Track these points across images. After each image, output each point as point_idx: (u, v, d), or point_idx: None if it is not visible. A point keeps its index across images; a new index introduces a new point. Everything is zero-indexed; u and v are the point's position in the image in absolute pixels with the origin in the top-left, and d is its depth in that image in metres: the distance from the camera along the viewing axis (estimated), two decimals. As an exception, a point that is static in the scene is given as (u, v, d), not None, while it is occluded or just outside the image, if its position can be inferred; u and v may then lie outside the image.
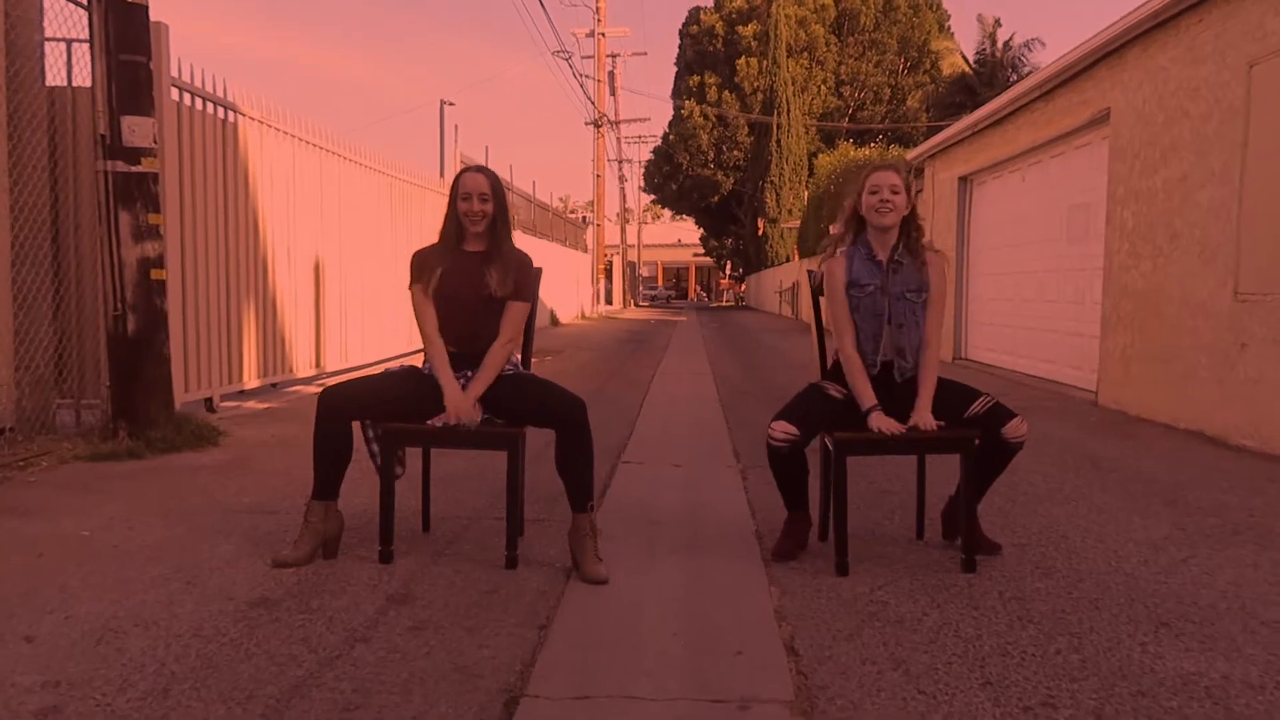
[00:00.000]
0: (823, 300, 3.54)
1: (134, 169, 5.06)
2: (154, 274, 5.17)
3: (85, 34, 5.33)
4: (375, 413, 3.16)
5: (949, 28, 44.05)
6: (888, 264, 3.23)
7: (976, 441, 3.13)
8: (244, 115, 7.08)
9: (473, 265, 3.22)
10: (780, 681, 2.28)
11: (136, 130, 5.05)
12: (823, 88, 41.89)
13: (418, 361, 3.39)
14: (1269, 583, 3.02)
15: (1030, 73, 33.64)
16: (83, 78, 5.54)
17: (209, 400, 6.63)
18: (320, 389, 3.28)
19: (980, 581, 3.01)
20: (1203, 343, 5.93)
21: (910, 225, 3.27)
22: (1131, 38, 6.85)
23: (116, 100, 4.99)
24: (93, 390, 5.70)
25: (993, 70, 34.67)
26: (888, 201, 3.19)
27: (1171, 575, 3.09)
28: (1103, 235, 7.48)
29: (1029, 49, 38.48)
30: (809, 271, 3.63)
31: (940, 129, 24.24)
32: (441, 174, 13.51)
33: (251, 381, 7.26)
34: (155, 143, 5.17)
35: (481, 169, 3.29)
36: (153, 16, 5.25)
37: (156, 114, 5.35)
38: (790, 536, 3.33)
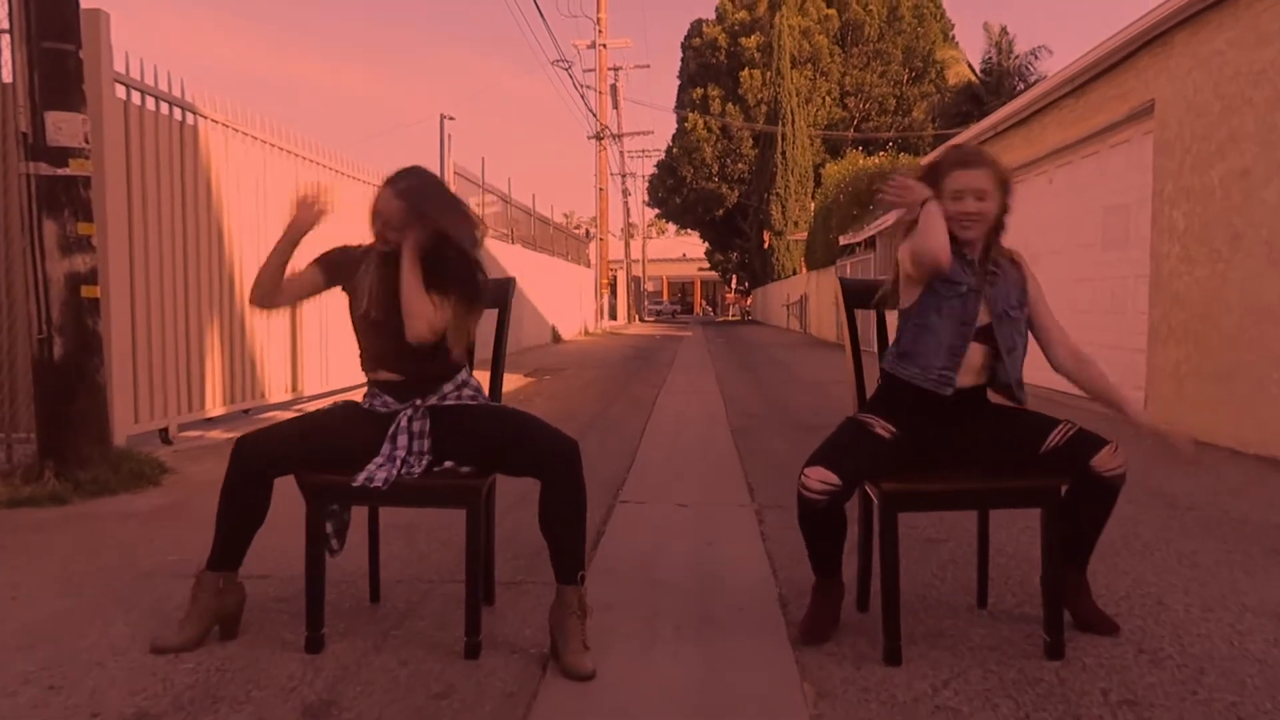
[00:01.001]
0: (859, 314, 2.89)
1: (60, 172, 4.43)
2: (85, 291, 4.54)
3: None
4: (306, 466, 2.49)
5: (954, 37, 43.55)
6: (982, 267, 2.58)
7: (1062, 490, 2.47)
8: (205, 118, 6.47)
9: (389, 278, 2.59)
10: None
11: (63, 128, 4.43)
12: (827, 99, 41.39)
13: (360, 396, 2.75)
14: None
15: (1037, 80, 33.14)
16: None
17: (164, 431, 5.99)
18: (238, 437, 2.63)
19: (1073, 674, 2.34)
20: (1274, 356, 5.26)
21: (997, 230, 2.63)
22: (1179, 21, 6.21)
23: (39, 94, 4.37)
24: (26, 423, 5.06)
25: (999, 79, 34.14)
26: (972, 213, 2.52)
27: (1315, 660, 2.42)
28: (1147, 239, 6.82)
29: (1035, 56, 37.97)
30: (841, 279, 2.98)
31: (947, 139, 23.64)
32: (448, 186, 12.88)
33: (216, 408, 6.62)
34: (87, 142, 4.54)
35: (394, 180, 2.61)
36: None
37: (91, 110, 4.74)
38: (821, 611, 2.65)
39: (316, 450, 2.51)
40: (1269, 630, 2.65)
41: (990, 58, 37.85)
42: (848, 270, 19.98)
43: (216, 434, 6.47)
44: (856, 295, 2.91)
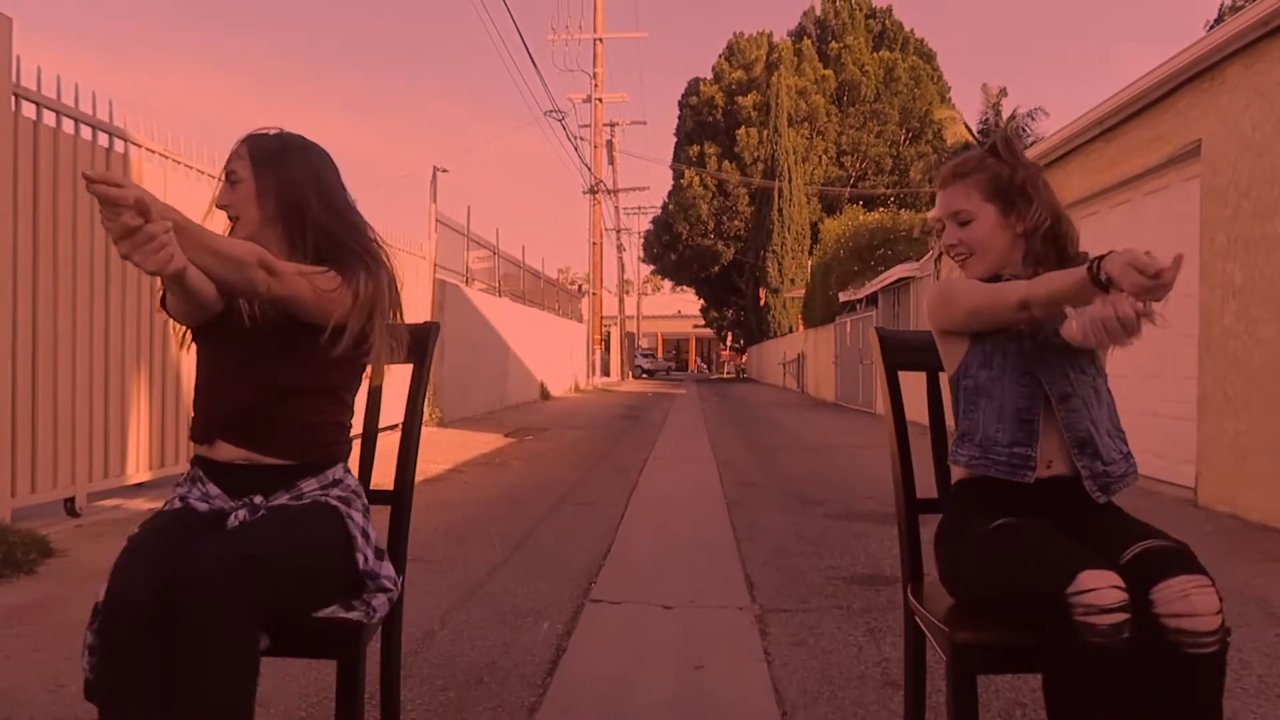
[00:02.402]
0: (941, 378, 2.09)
1: (-77, 193, 3.69)
2: (-51, 337, 3.76)
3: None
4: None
5: (950, 99, 43.58)
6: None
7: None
8: (139, 146, 5.76)
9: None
10: None
11: (-70, 141, 3.69)
12: (824, 158, 41.24)
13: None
14: None
15: (1034, 143, 32.96)
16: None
17: (70, 500, 5.16)
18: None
19: None
20: (1363, 432, 4.49)
21: (1056, 237, 1.85)
22: (1230, 53, 5.55)
23: (-99, 100, 3.65)
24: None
25: (997, 134, 34.01)
26: (953, 247, 1.86)
27: None
28: (1193, 295, 6.09)
29: (1032, 118, 37.91)
30: (878, 330, 2.21)
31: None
32: (429, 235, 12.25)
33: (140, 473, 5.80)
34: (-39, 160, 3.81)
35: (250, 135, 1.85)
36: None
37: (-24, 125, 4.02)
38: None
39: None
40: None
41: (987, 119, 37.83)
42: (848, 328, 19.28)
43: (139, 503, 5.64)
44: (899, 352, 2.13)
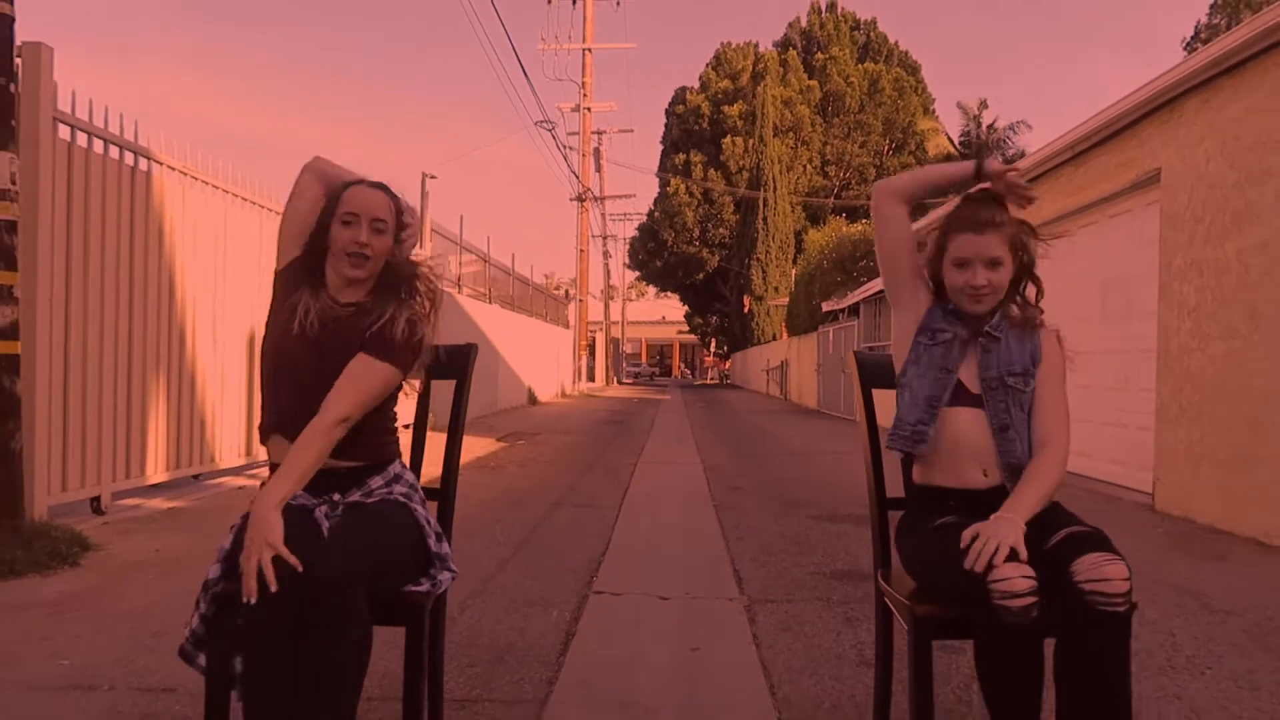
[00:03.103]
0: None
1: (-19, 214, 4.00)
2: (2, 347, 4.07)
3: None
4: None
5: (933, 110, 44.21)
6: (979, 323, 2.19)
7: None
8: (160, 164, 6.06)
9: (342, 322, 2.09)
10: None
11: (-13, 166, 4.01)
12: (808, 167, 41.71)
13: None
14: None
15: (1015, 155, 33.53)
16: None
17: (96, 499, 5.46)
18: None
19: None
20: (1301, 442, 4.90)
21: (1015, 287, 2.22)
22: (1189, 88, 5.96)
23: (-38, 128, 3.96)
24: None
25: (978, 151, 34.57)
26: (982, 287, 2.14)
27: None
28: (1151, 312, 6.50)
29: (1014, 131, 38.62)
30: (856, 354, 2.57)
31: (926, 209, 23.63)
32: (422, 246, 12.54)
33: (158, 474, 6.10)
34: (14, 184, 4.12)
35: (382, 186, 2.17)
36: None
37: (26, 150, 4.33)
38: None
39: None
40: (1370, 785, 2.21)
41: (969, 130, 38.43)
42: (830, 337, 19.71)
43: (157, 503, 5.95)
44: (874, 373, 2.49)
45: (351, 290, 2.12)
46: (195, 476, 6.72)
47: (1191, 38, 31.35)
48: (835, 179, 42.36)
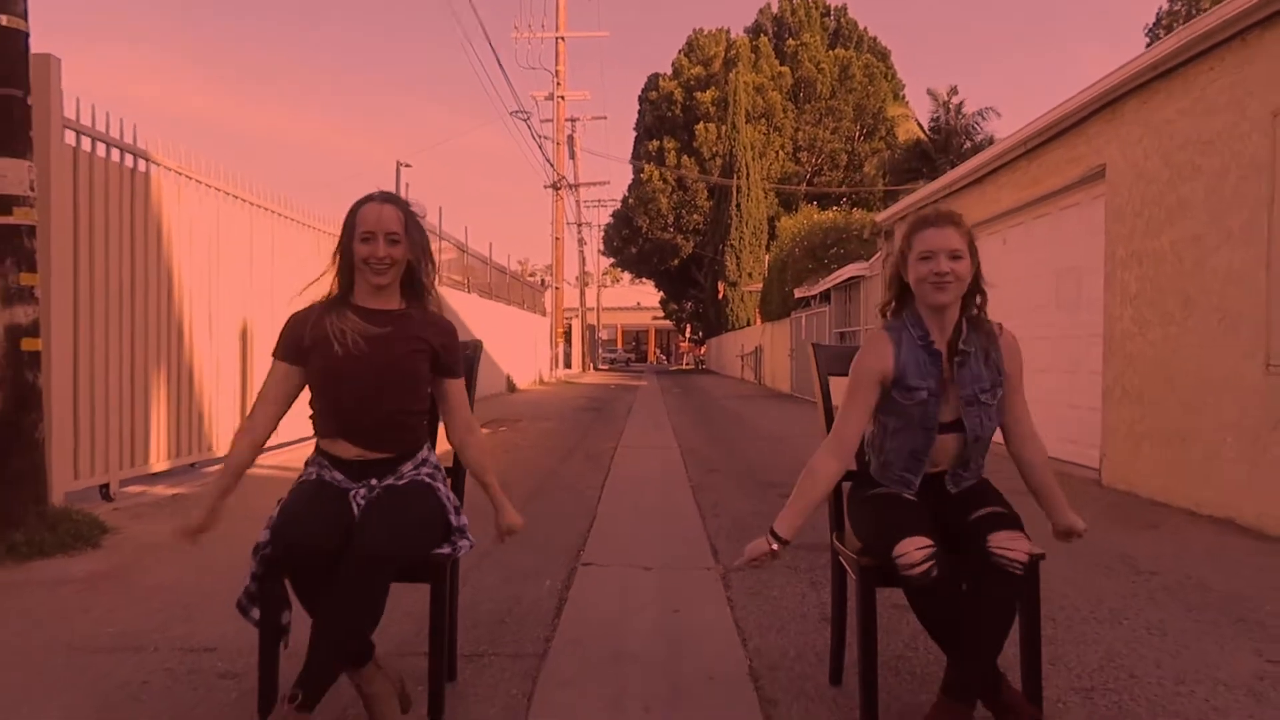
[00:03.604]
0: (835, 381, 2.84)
1: (4, 220, 4.27)
2: (25, 344, 4.36)
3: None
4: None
5: (904, 96, 44.72)
6: (950, 356, 2.42)
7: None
8: (158, 165, 6.33)
9: (377, 330, 2.42)
10: None
11: (8, 175, 4.28)
12: (780, 153, 42.10)
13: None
14: None
15: (984, 141, 34.09)
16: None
17: (105, 487, 5.75)
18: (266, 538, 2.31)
19: (1056, 756, 2.29)
20: (1228, 421, 5.34)
21: (972, 297, 2.47)
22: (1129, 90, 6.38)
23: (-16, 140, 4.23)
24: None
25: (947, 137, 34.93)
26: (945, 274, 2.36)
27: (1294, 740, 2.39)
28: (1099, 301, 6.94)
29: (983, 117, 39.06)
30: (814, 345, 2.94)
31: (897, 195, 24.09)
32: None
33: (160, 463, 6.39)
34: (32, 190, 4.40)
35: (390, 197, 2.48)
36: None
37: (38, 157, 4.60)
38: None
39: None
40: (1245, 706, 2.62)
41: (938, 116, 38.89)
42: (803, 323, 20.14)
43: (160, 489, 6.24)
44: (830, 361, 2.86)
45: (380, 296, 2.45)
46: (192, 465, 7.01)
47: (1154, 24, 31.99)
48: (807, 165, 42.79)
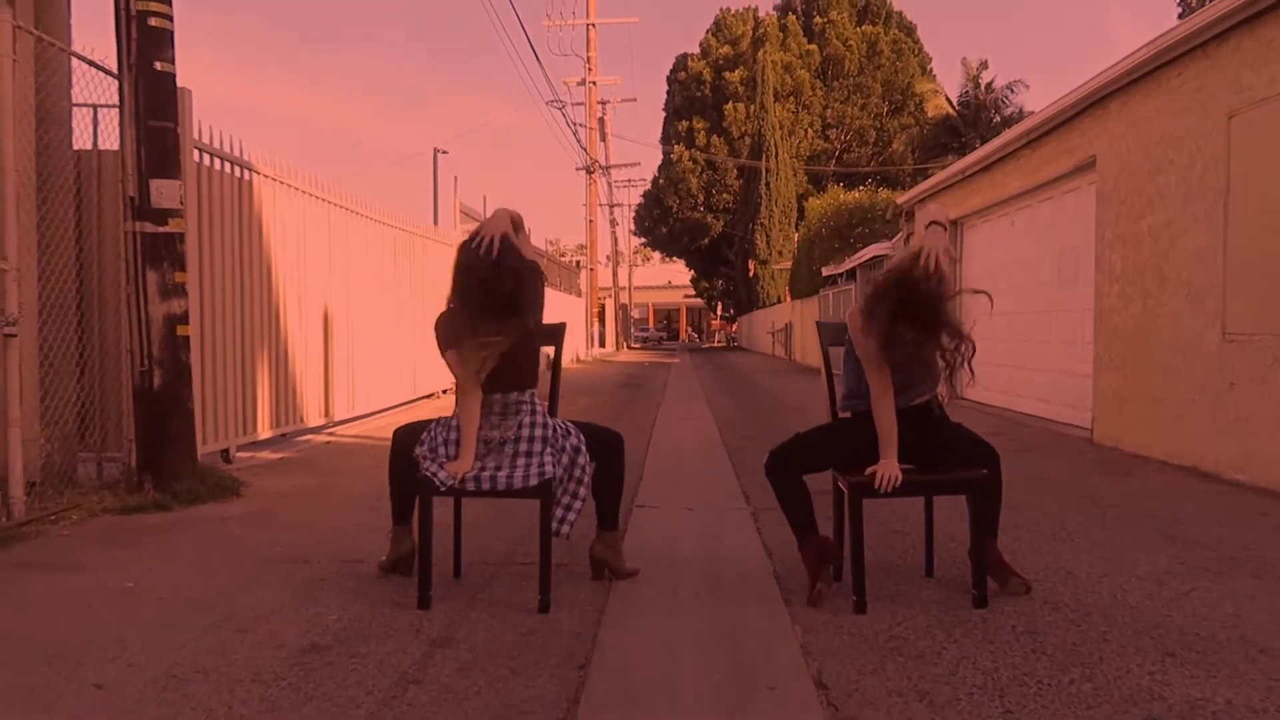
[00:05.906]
0: (833, 352, 3.71)
1: (161, 229, 5.24)
2: (179, 330, 5.33)
3: (109, 99, 5.55)
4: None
5: (931, 70, 44.91)
6: None
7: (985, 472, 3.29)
8: (259, 174, 7.29)
9: None
10: (814, 713, 2.42)
11: (164, 192, 5.24)
12: (809, 131, 42.54)
13: (421, 410, 3.53)
14: (1267, 613, 3.18)
15: (1014, 114, 34.38)
16: (108, 141, 5.75)
17: (225, 451, 6.75)
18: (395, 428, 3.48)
19: (993, 616, 3.16)
20: (1195, 383, 6.14)
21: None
22: (1114, 89, 7.14)
23: (146, 164, 5.18)
24: (114, 444, 5.82)
25: (976, 111, 35.19)
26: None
27: (1174, 607, 3.25)
28: (1093, 279, 7.71)
29: (1012, 90, 39.16)
30: (818, 323, 3.81)
31: (926, 171, 24.64)
32: (435, 221, 13.76)
33: (265, 432, 7.39)
34: (181, 204, 5.35)
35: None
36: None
37: (181, 176, 5.55)
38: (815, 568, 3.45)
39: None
40: (1148, 589, 3.48)
41: (967, 91, 39.06)
42: (830, 299, 20.90)
43: (266, 454, 7.24)
44: (830, 334, 3.73)
45: None
46: (284, 435, 8.01)
47: (1183, -3, 32.07)
48: (836, 142, 43.23)
